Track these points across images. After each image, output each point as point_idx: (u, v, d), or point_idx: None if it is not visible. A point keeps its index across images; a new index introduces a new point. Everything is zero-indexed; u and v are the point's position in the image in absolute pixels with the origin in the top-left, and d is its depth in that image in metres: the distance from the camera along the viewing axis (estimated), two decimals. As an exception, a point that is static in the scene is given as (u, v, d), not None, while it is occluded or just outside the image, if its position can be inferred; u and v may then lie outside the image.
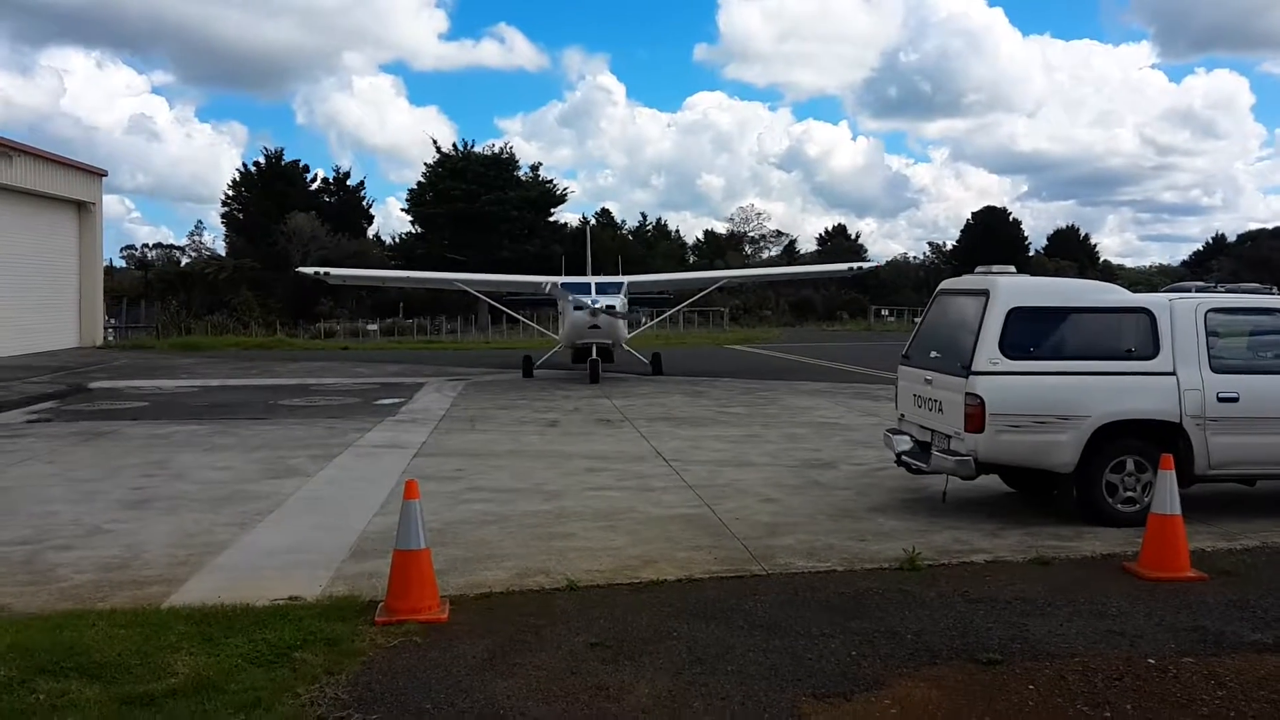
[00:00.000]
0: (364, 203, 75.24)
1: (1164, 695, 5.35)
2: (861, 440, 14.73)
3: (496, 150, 72.75)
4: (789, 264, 75.36)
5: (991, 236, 79.99)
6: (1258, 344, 9.70)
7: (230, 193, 71.15)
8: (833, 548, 8.57)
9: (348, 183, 74.75)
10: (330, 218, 65.72)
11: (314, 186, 72.40)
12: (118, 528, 9.43)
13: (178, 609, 6.76)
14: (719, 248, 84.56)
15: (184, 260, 72.37)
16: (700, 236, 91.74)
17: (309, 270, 25.77)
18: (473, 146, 72.32)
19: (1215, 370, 9.18)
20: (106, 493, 11.12)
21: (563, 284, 26.59)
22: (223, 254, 68.39)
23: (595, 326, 24.88)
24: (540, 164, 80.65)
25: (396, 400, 21.23)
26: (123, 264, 75.58)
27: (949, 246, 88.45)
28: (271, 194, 67.31)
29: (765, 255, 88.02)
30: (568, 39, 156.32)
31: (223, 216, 71.94)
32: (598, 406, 20.03)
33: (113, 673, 5.58)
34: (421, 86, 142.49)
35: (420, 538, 6.62)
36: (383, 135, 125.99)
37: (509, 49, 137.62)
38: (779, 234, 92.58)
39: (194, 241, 76.23)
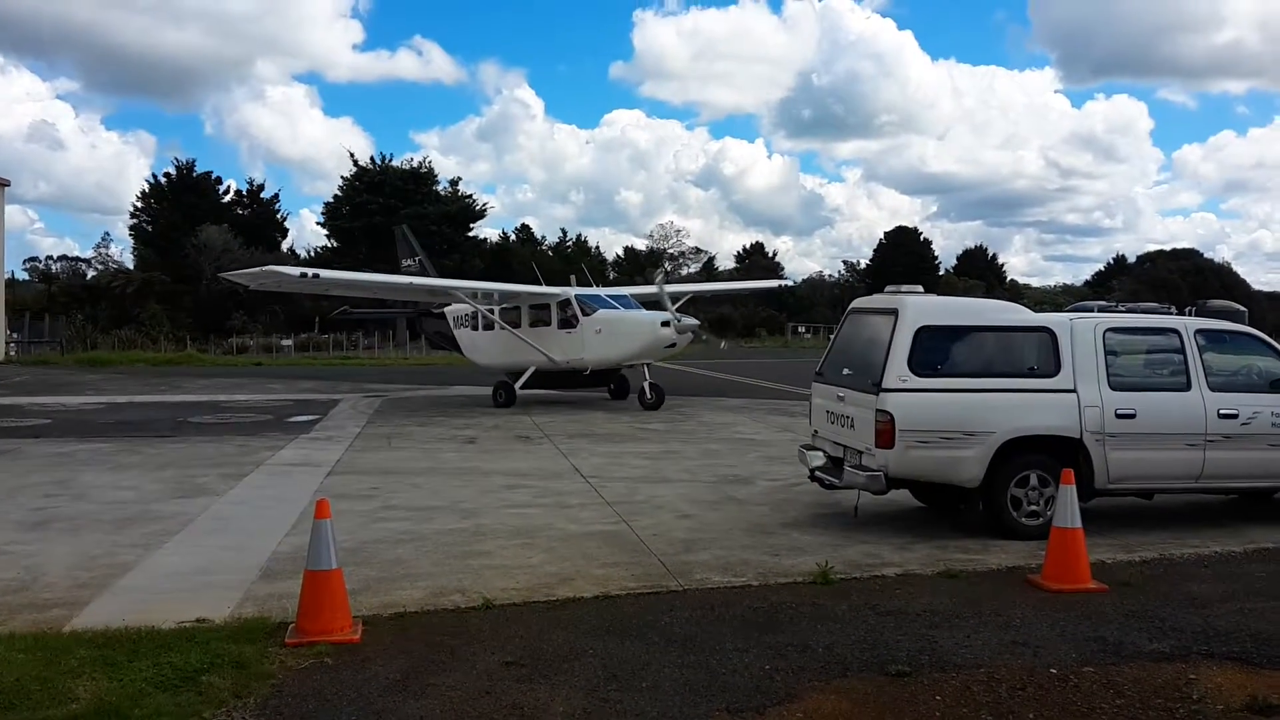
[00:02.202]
0: (278, 215, 74.09)
1: (1065, 704, 5.52)
2: (777, 456, 14.91)
3: (415, 164, 72.24)
4: (708, 280, 76.00)
5: (903, 255, 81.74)
6: (1153, 362, 10.06)
7: (139, 204, 69.50)
8: (748, 563, 8.66)
9: (261, 195, 73.52)
10: (243, 230, 64.48)
11: (226, 199, 71.04)
12: (17, 549, 9.12)
13: (79, 633, 6.57)
14: (639, 264, 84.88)
15: (90, 273, 70.37)
16: (620, 253, 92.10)
17: (294, 271, 22.92)
18: (390, 160, 71.72)
19: (1113, 388, 9.51)
20: (5, 513, 10.75)
21: (576, 295, 23.90)
22: (130, 267, 66.61)
23: (673, 345, 23.06)
24: (459, 178, 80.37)
25: (310, 417, 20.90)
26: (25, 276, 73.35)
27: (862, 265, 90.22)
28: (182, 206, 65.89)
29: (684, 272, 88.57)
30: (485, 52, 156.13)
31: (131, 228, 70.16)
32: (517, 423, 19.97)
33: (11, 699, 5.40)
34: (336, 98, 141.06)
35: (331, 558, 6.53)
36: (296, 147, 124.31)
37: (426, 61, 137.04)
38: (698, 251, 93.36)
39: (100, 254, 74.24)
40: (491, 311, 24.46)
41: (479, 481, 12.90)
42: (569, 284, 24.77)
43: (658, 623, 6.91)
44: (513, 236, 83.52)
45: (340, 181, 71.38)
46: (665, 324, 22.50)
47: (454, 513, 10.80)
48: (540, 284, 26.17)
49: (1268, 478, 10.01)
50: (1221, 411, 9.57)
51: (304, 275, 22.82)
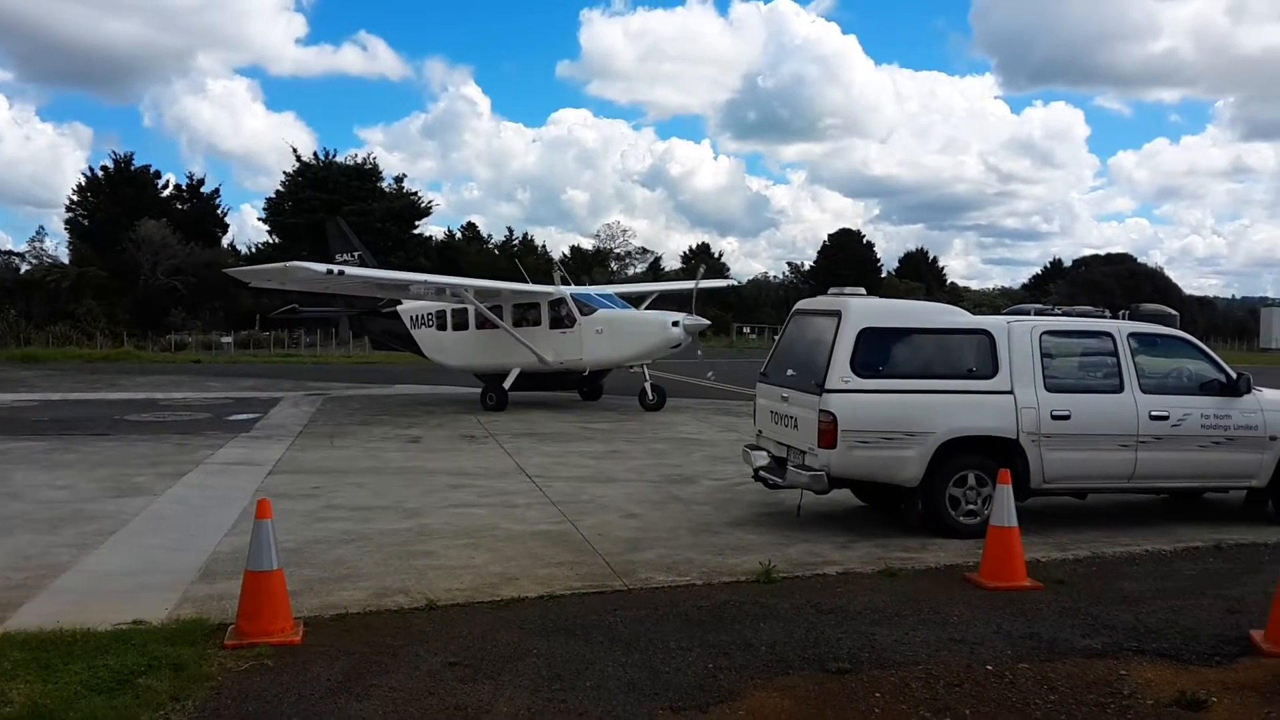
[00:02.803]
0: (218, 211, 72.76)
1: (1001, 700, 5.64)
2: (722, 456, 15.01)
3: (359, 160, 71.41)
4: (654, 280, 76.15)
5: (846, 258, 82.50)
6: (1088, 365, 10.29)
7: (75, 197, 67.83)
8: (692, 562, 8.72)
9: (201, 190, 72.15)
10: (182, 226, 63.23)
11: (165, 193, 69.64)
12: (-56, 551, 8.89)
13: (12, 635, 6.43)
14: (586, 264, 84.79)
15: (23, 267, 68.49)
16: (567, 252, 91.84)
17: (321, 268, 21.07)
18: (334, 156, 70.84)
19: (1049, 389, 9.71)
20: (-68, 514, 10.48)
21: (572, 294, 23.30)
22: (66, 261, 65.03)
23: (677, 345, 22.46)
24: (404, 175, 79.62)
25: (251, 416, 20.63)
26: (-45, 270, 71.15)
27: (807, 266, 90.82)
28: (120, 200, 64.46)
29: (631, 272, 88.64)
30: (431, 49, 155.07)
31: (66, 222, 68.39)
32: (462, 423, 19.88)
33: (-62, 705, 5.28)
34: (279, 92, 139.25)
35: (272, 558, 6.46)
36: (238, 141, 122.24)
37: (371, 57, 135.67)
38: (644, 251, 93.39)
39: (34, 248, 72.09)
40: (498, 311, 23.07)
41: (423, 481, 12.83)
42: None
43: (602, 622, 6.94)
44: (459, 235, 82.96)
45: (283, 177, 70.31)
46: (675, 324, 22.13)
47: (397, 512, 10.74)
48: (527, 282, 25.12)
49: (1197, 478, 10.30)
50: (1153, 413, 9.83)
51: (330, 272, 21.38)
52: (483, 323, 23.51)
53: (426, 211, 73.31)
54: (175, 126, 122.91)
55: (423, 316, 24.88)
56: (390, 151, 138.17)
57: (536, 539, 9.53)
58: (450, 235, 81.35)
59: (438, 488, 12.30)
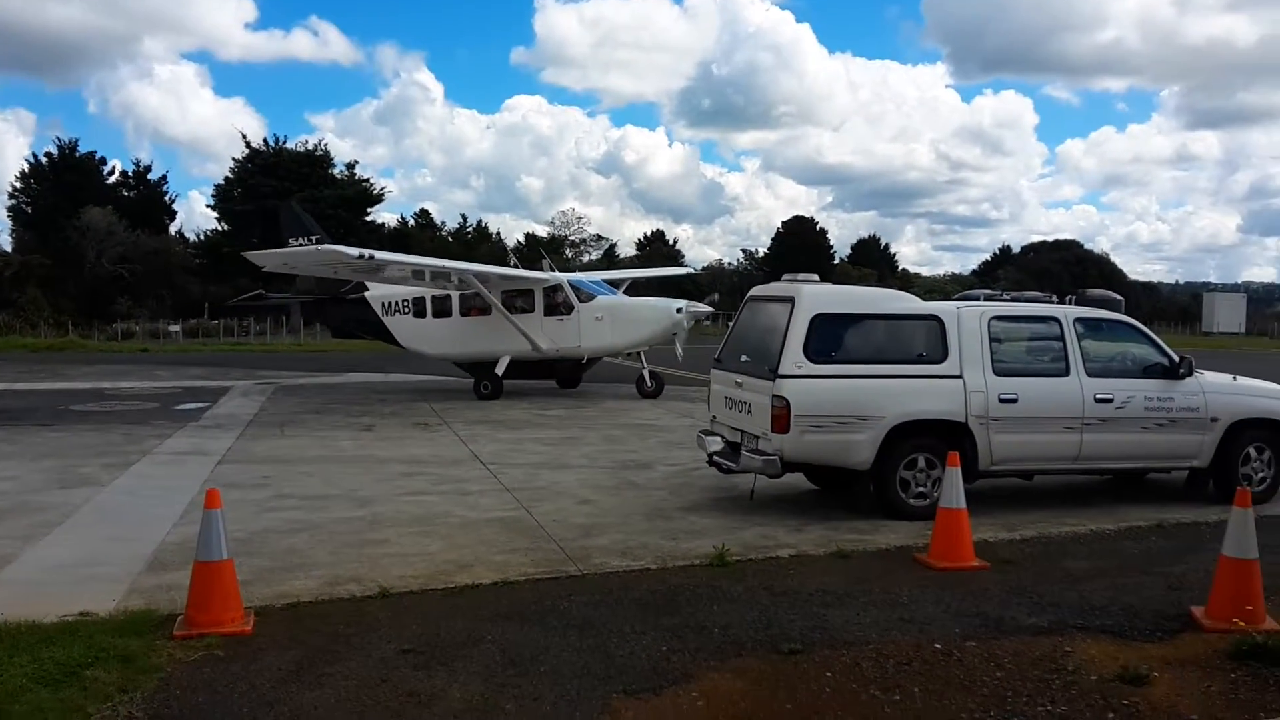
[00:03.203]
0: (166, 198, 71.59)
1: (949, 678, 5.73)
2: (677, 441, 15.06)
3: (310, 146, 70.54)
4: (609, 268, 76.04)
5: (800, 245, 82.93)
6: (1035, 349, 10.46)
7: (17, 184, 66.35)
8: (647, 546, 8.75)
9: (148, 176, 70.91)
10: (128, 213, 62.11)
11: (111, 180, 68.37)
12: (-117, 545, 8.70)
13: (-46, 629, 6.31)
14: (540, 251, 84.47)
15: (-36, 256, 66.97)
16: (521, 239, 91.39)
17: (353, 252, 20.08)
18: (284, 142, 69.91)
19: (997, 373, 9.86)
20: None
21: (570, 280, 23.01)
22: (8, 250, 63.65)
23: (675, 334, 22.28)
24: (356, 162, 78.85)
25: (200, 405, 20.35)
26: (-109, 258, 69.33)
27: (761, 253, 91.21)
28: (64, 187, 63.12)
29: (586, 259, 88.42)
30: (383, 34, 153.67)
31: (9, 210, 66.97)
32: (415, 410, 19.76)
33: (-123, 701, 5.17)
34: (227, 77, 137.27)
35: (222, 548, 6.40)
36: (185, 127, 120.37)
37: (322, 42, 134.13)
38: (599, 238, 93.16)
39: (-26, 236, 70.71)
40: (509, 298, 22.35)
41: (376, 469, 12.75)
42: None
43: (556, 608, 6.95)
44: (411, 221, 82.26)
45: (232, 163, 69.38)
46: (679, 310, 22.00)
47: (350, 501, 10.67)
48: (516, 267, 24.43)
49: (1140, 459, 10.51)
50: (1098, 396, 10.01)
51: (361, 256, 20.46)
52: (468, 309, 23.03)
53: (379, 198, 72.69)
54: (121, 112, 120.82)
55: (397, 303, 24.01)
56: (342, 138, 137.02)
57: (490, 526, 9.51)
58: (403, 222, 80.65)
59: (390, 476, 12.23)
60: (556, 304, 22.41)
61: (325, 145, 72.11)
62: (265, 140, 70.21)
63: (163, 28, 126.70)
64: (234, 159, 69.34)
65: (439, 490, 11.29)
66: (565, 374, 24.35)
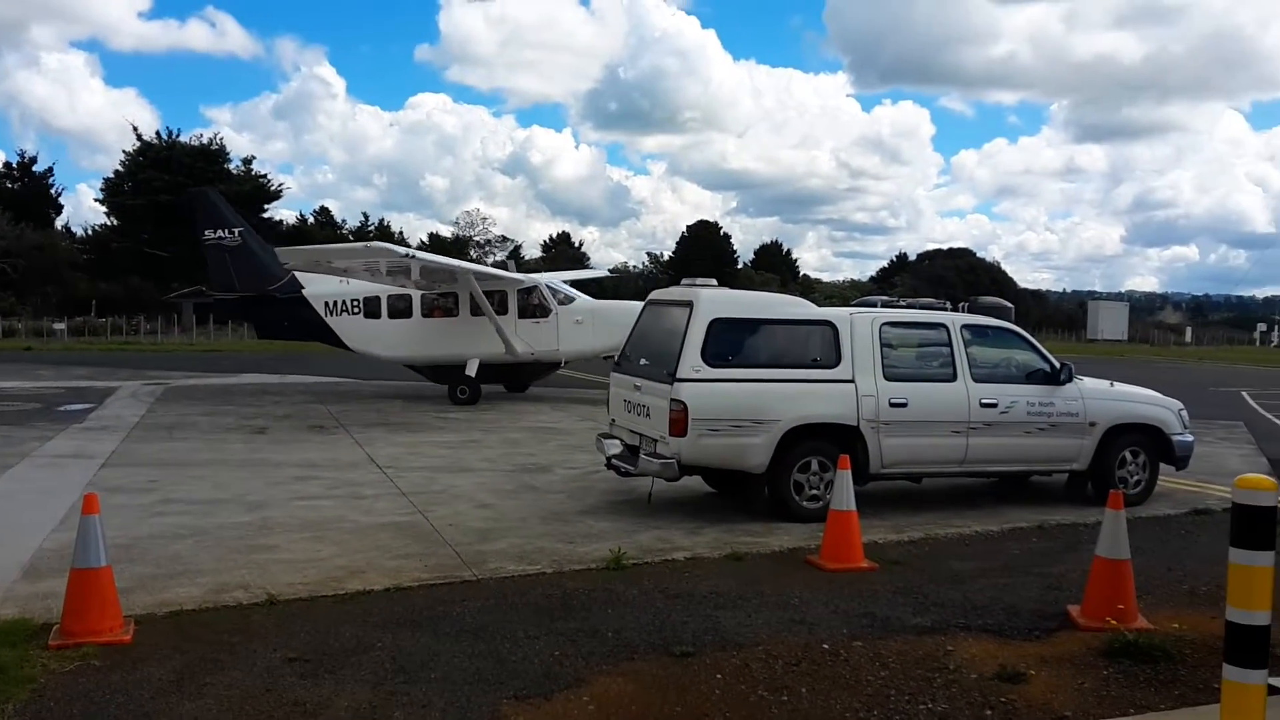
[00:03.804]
0: (52, 191, 68.97)
1: (835, 677, 5.85)
2: (578, 445, 15.05)
3: (205, 140, 68.65)
4: (517, 270, 75.53)
5: (704, 249, 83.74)
6: (924, 355, 10.73)
7: (-111, 174, 63.20)
8: (543, 551, 8.73)
9: (33, 169, 68.24)
10: (12, 206, 59.77)
11: (-8, 171, 65.57)
12: None
13: None
14: (444, 251, 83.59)
15: None
16: (425, 239, 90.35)
17: (402, 250, 19.35)
18: (178, 135, 67.92)
19: (888, 378, 10.10)
20: None
21: (548, 283, 22.56)
22: (-121, 242, 60.49)
23: None
24: (253, 157, 77.09)
25: (85, 406, 19.65)
26: None
27: (666, 257, 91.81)
28: (-60, 177, 60.37)
29: (491, 260, 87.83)
30: (283, 27, 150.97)
31: (-115, 201, 63.69)
32: (311, 412, 19.38)
33: None
34: (119, 67, 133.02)
35: (100, 554, 6.19)
36: (74, 118, 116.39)
37: (219, 33, 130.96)
38: (504, 239, 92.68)
39: None
40: (452, 299, 21.64)
41: (268, 473, 12.46)
42: None
43: (450, 613, 6.89)
44: (311, 219, 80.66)
45: (123, 156, 67.10)
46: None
47: (239, 506, 10.41)
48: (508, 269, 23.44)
49: (1023, 461, 10.87)
50: (983, 401, 10.32)
51: (408, 255, 19.84)
52: (430, 310, 22.29)
53: (276, 195, 71.22)
54: (5, 101, 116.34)
55: (344, 303, 23.01)
56: (239, 132, 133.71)
57: (385, 530, 9.38)
58: (302, 220, 79.09)
59: (283, 480, 11.98)
60: (531, 306, 21.88)
61: (221, 139, 70.41)
62: (158, 133, 68.24)
63: (52, 15, 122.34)
64: (125, 152, 67.21)
65: (333, 495, 11.10)
66: (519, 379, 23.78)
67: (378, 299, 22.76)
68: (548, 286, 22.36)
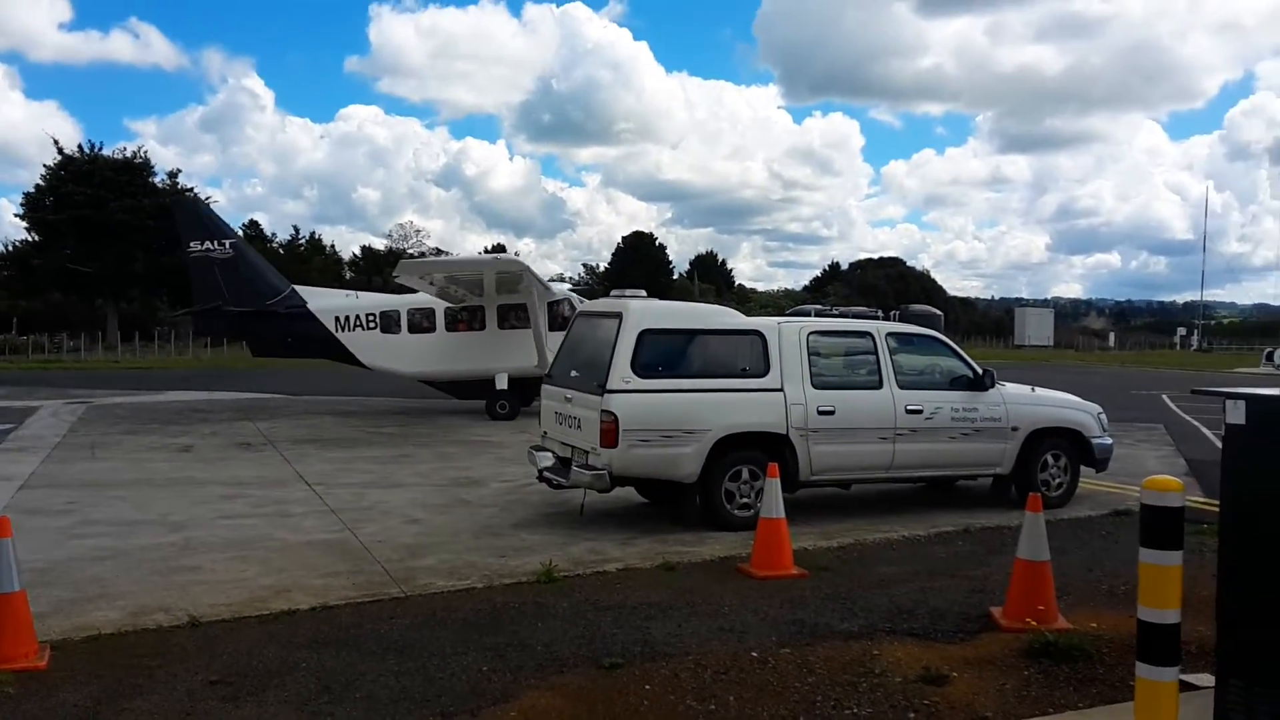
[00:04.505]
0: (-32, 205, 66.90)
1: (762, 685, 5.88)
2: (512, 458, 14.98)
3: (129, 153, 67.11)
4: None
5: (640, 260, 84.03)
6: (851, 363, 10.89)
7: None
8: (474, 565, 8.68)
9: (-52, 182, 66.12)
10: (-76, 220, 57.83)
11: (-96, 185, 63.51)
12: None
13: None
14: (378, 264, 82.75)
15: None
16: (357, 252, 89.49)
17: (523, 262, 19.42)
18: (101, 149, 66.28)
19: (816, 386, 10.21)
20: None
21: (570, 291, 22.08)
22: None
23: None
24: (179, 170, 75.74)
25: (4, 427, 19.07)
26: None
27: (602, 268, 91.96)
28: None
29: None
30: (208, 38, 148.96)
31: None
32: (239, 430, 19.04)
33: None
34: (39, 79, 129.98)
35: (13, 579, 6.03)
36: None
37: (143, 45, 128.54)
38: (439, 251, 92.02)
39: None
40: (479, 312, 20.94)
41: (192, 492, 12.22)
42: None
43: (377, 631, 6.81)
44: (241, 232, 79.31)
45: (44, 170, 65.24)
46: None
47: (162, 526, 10.19)
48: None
49: (949, 467, 11.05)
50: (909, 408, 10.49)
51: (527, 268, 19.69)
52: (454, 324, 21.65)
53: (204, 209, 69.82)
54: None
55: (359, 318, 22.22)
56: (165, 145, 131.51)
57: (312, 549, 9.25)
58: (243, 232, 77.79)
59: (208, 499, 11.75)
60: (561, 318, 20.93)
61: (145, 152, 68.63)
62: (80, 146, 66.43)
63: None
64: (46, 166, 65.18)
65: (259, 513, 10.92)
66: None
67: (396, 313, 22.09)
68: (577, 298, 21.99)
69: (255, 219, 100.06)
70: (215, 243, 23.06)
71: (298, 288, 23.12)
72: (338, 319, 22.38)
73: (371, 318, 22.30)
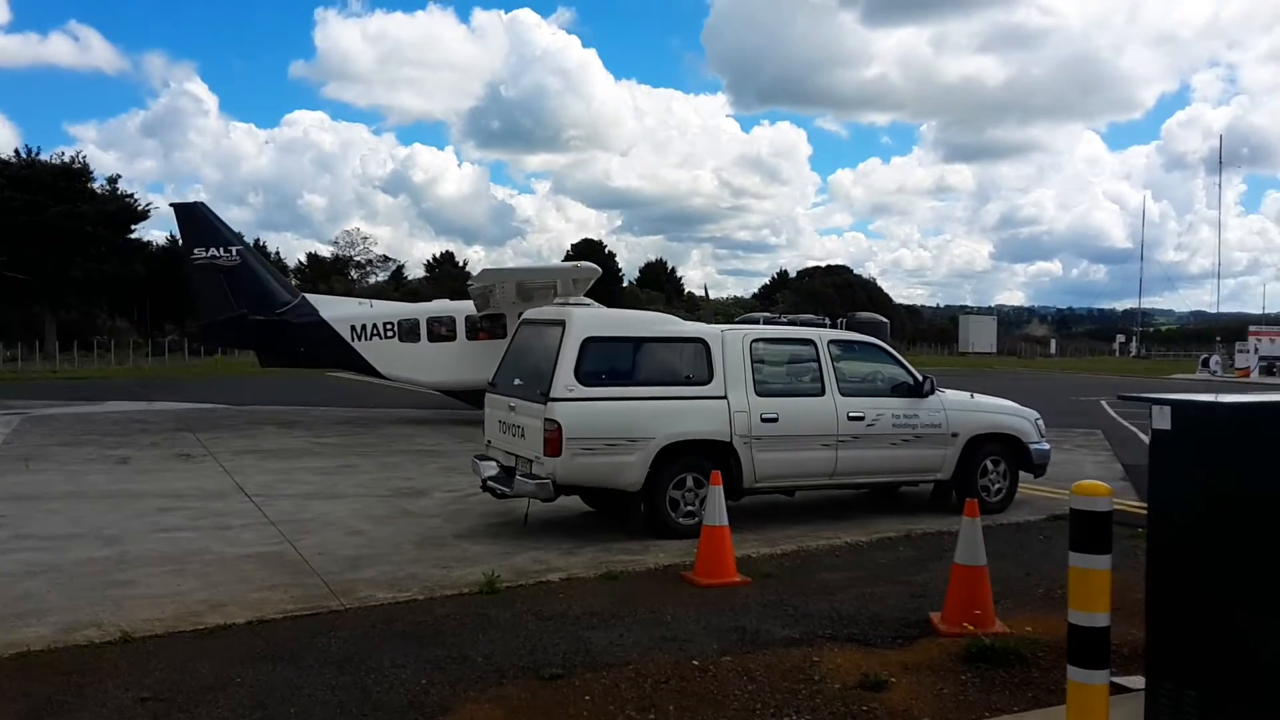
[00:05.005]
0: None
1: (703, 694, 5.88)
2: (457, 467, 14.87)
3: (67, 159, 65.84)
4: (396, 289, 74.54)
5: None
6: (794, 370, 10.96)
7: None
8: (416, 577, 8.59)
9: (-122, 188, 64.29)
10: None
11: None
12: None
13: None
14: (324, 272, 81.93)
15: None
16: (303, 259, 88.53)
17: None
18: (38, 154, 65.02)
19: (759, 394, 10.27)
20: None
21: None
22: None
23: None
24: (119, 176, 74.42)
25: (-69, 439, 18.58)
26: None
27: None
28: None
29: (372, 281, 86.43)
30: (150, 42, 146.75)
31: None
32: (179, 441, 18.70)
33: None
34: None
35: (-65, 598, 5.86)
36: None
37: (83, 48, 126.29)
38: (386, 259, 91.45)
39: None
40: (499, 321, 20.60)
41: (129, 505, 11.98)
42: None
43: (314, 645, 6.72)
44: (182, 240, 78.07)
45: (-20, 176, 63.82)
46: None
47: (96, 540, 9.98)
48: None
49: (890, 472, 11.16)
50: (850, 414, 10.58)
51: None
52: (475, 332, 21.21)
53: (144, 215, 68.71)
54: None
55: (375, 327, 21.70)
56: (105, 150, 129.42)
57: (250, 562, 9.11)
58: (173, 240, 76.45)
59: (145, 512, 11.52)
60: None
61: (84, 157, 67.54)
62: (17, 151, 65.19)
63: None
64: (-18, 171, 63.87)
65: (197, 525, 10.73)
66: None
67: (415, 321, 21.65)
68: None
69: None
70: (221, 250, 22.44)
71: (308, 296, 22.58)
72: (353, 328, 21.89)
73: (389, 326, 21.85)
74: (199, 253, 22.48)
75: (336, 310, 22.38)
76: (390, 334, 21.94)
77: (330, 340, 21.99)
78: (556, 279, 20.01)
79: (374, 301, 21.75)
